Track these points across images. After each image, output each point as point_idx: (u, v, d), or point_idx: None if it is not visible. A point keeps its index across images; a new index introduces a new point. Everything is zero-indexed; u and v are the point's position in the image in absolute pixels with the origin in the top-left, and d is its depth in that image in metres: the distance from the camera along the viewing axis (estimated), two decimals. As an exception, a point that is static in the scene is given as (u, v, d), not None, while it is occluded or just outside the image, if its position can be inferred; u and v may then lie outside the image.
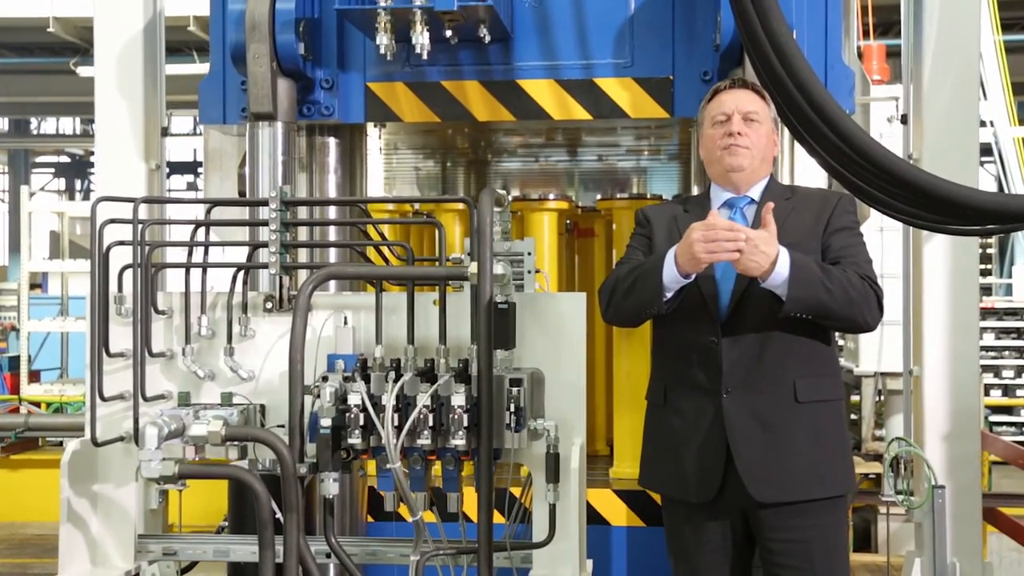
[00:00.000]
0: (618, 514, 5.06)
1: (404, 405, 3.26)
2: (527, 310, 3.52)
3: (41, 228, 16.20)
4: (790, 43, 3.44)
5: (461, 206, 5.50)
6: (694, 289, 3.43)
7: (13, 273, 17.03)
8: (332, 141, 4.79)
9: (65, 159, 29.32)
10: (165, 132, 4.87)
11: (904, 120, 4.66)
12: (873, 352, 9.83)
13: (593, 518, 4.78)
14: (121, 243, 3.54)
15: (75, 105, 18.44)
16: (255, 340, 3.64)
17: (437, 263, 3.57)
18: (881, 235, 6.74)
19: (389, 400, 3.18)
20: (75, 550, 3.61)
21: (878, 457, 9.89)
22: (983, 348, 13.50)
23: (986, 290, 15.84)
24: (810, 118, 3.47)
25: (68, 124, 26.64)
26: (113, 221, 3.54)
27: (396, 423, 3.21)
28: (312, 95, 4.52)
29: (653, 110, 4.52)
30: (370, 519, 4.93)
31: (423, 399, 3.20)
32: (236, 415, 3.37)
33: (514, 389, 3.30)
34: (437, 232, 3.52)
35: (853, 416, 10.53)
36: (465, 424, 3.19)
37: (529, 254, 3.63)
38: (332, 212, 4.59)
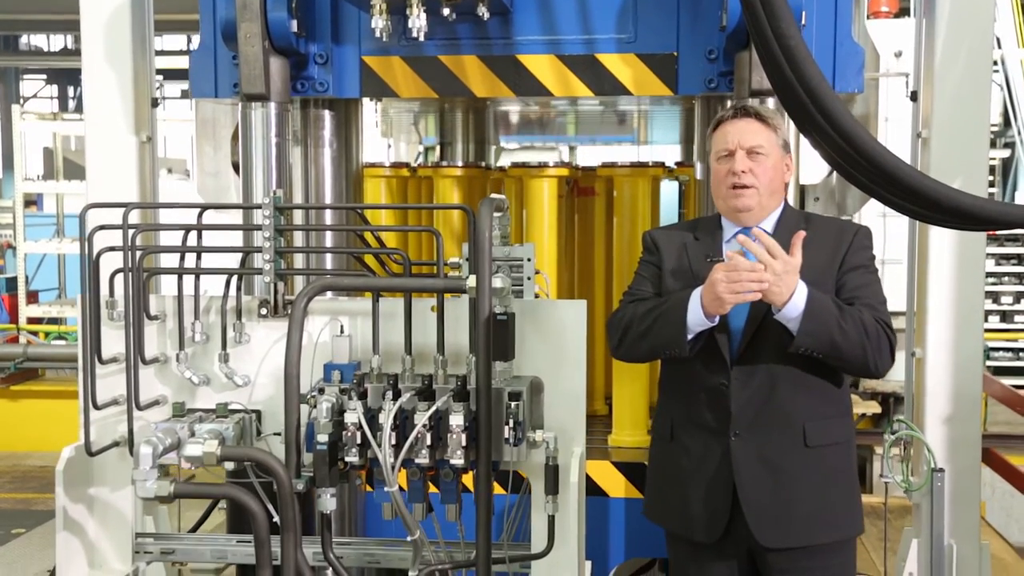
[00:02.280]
0: (616, 486, 5.05)
1: (402, 420, 3.22)
2: (527, 317, 3.46)
3: (34, 144, 16.01)
4: (800, 46, 3.31)
5: (460, 171, 5.38)
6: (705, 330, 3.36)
7: (7, 190, 16.89)
8: (327, 114, 4.68)
9: (57, 66, 28.89)
10: (156, 103, 4.74)
11: (914, 97, 4.53)
12: (874, 291, 9.80)
13: (592, 489, 4.79)
14: (112, 249, 3.47)
15: (64, 23, 18.11)
16: (250, 345, 3.59)
17: (435, 267, 3.51)
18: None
19: (387, 422, 3.14)
20: (72, 554, 3.61)
21: (875, 395, 9.94)
22: (983, 274, 13.50)
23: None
24: (820, 123, 3.36)
25: (58, 40, 26.19)
26: (103, 227, 3.46)
27: (394, 442, 3.17)
28: (306, 71, 4.40)
29: (656, 87, 4.40)
30: (368, 488, 4.91)
31: (421, 418, 3.16)
32: (231, 429, 3.33)
33: (513, 403, 3.26)
34: (436, 240, 3.43)
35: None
36: (463, 444, 3.16)
37: (529, 260, 3.56)
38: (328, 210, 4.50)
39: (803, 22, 4.07)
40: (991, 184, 16.96)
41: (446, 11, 4.06)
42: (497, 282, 3.19)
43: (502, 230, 3.54)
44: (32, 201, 16.92)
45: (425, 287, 3.39)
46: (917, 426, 4.53)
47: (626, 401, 5.38)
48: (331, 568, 3.30)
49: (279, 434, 3.44)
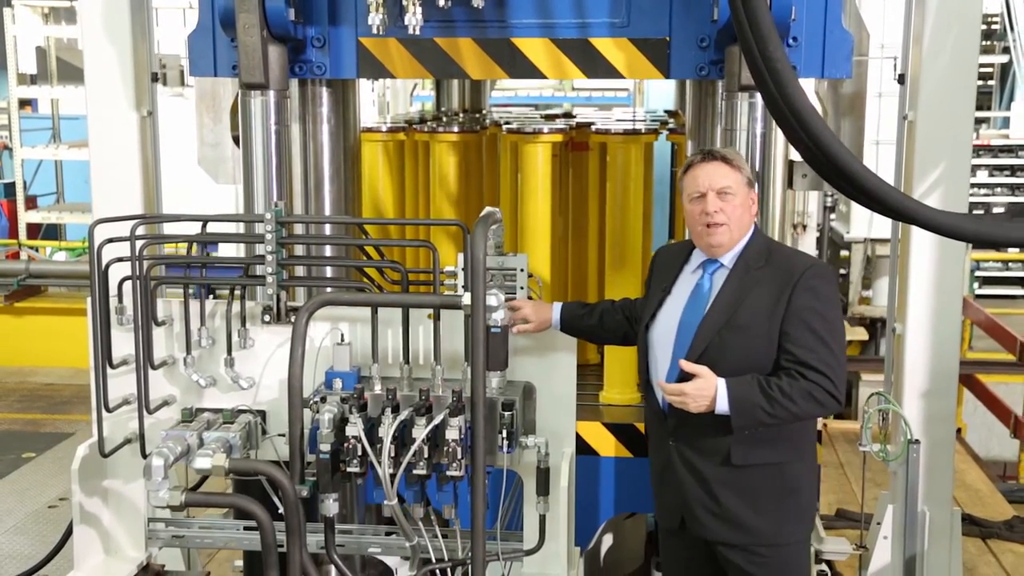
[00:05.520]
0: (607, 445, 5.25)
1: (400, 429, 3.39)
2: (520, 325, 3.60)
3: (26, 43, 15.88)
4: (786, 69, 3.40)
5: (456, 136, 5.47)
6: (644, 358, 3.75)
7: (2, 91, 16.80)
8: (325, 91, 4.74)
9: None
10: (155, 78, 4.81)
11: (901, 80, 4.61)
12: (864, 218, 9.92)
13: (583, 448, 5.00)
14: (120, 259, 3.59)
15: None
16: (254, 349, 3.74)
17: (431, 275, 3.64)
18: (877, 148, 6.73)
19: (387, 437, 3.31)
20: (89, 542, 3.82)
21: (862, 320, 10.13)
22: (976, 185, 13.55)
23: (983, 121, 15.71)
24: (806, 143, 3.47)
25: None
26: (111, 240, 3.58)
27: (393, 453, 3.35)
28: (304, 54, 4.45)
29: (648, 71, 4.46)
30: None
31: (420, 433, 3.33)
32: (238, 436, 3.49)
33: (506, 413, 3.43)
34: (433, 255, 3.56)
35: (842, 271, 10.71)
36: (459, 457, 3.33)
37: (522, 270, 3.69)
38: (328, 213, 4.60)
39: (793, 17, 4.12)
40: (986, 93, 16.91)
41: (441, 2, 4.13)
42: (492, 300, 3.32)
43: (496, 239, 3.66)
44: (27, 102, 16.83)
45: (422, 303, 3.53)
46: (895, 399, 4.71)
47: (617, 358, 5.55)
48: (334, 568, 3.50)
49: (283, 435, 3.60)
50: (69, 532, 4.53)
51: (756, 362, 3.51)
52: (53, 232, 15.02)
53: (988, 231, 3.51)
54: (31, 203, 14.77)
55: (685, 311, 3.65)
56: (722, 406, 3.41)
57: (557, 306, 3.90)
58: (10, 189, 15.08)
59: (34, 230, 14.67)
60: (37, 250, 12.71)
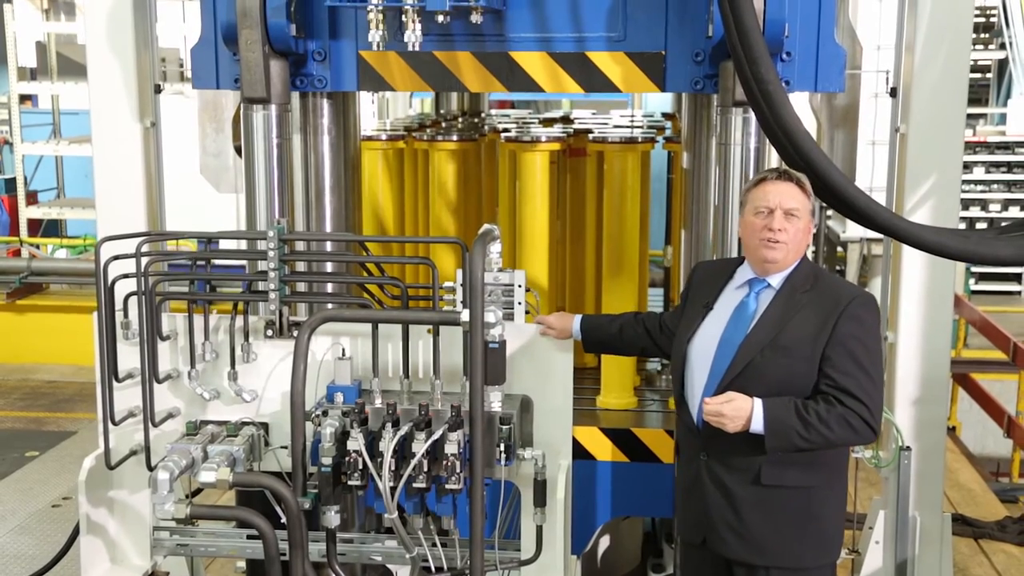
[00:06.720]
0: (603, 450, 5.32)
1: (400, 442, 3.46)
2: (516, 340, 3.68)
3: (26, 38, 15.94)
4: (778, 91, 3.49)
5: (455, 145, 5.53)
6: (679, 372, 3.74)
7: (2, 86, 16.86)
8: (326, 103, 4.81)
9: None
10: (158, 89, 4.87)
11: (893, 93, 4.68)
12: (860, 218, 9.93)
13: (579, 454, 5.06)
14: (125, 276, 3.67)
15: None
16: (257, 363, 3.81)
17: (430, 291, 3.71)
18: (873, 148, 6.77)
19: (387, 452, 3.38)
20: (96, 552, 3.90)
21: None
22: (972, 181, 13.61)
23: (979, 118, 15.74)
24: (796, 161, 3.55)
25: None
26: (117, 257, 3.65)
27: (393, 467, 3.43)
28: (305, 68, 4.52)
29: (644, 85, 4.53)
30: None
31: (419, 447, 3.41)
32: (241, 449, 3.57)
33: (504, 427, 3.51)
34: (432, 272, 3.63)
35: (839, 270, 10.76)
36: (458, 470, 3.41)
37: (520, 286, 3.76)
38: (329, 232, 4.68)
39: (786, 33, 4.19)
40: (986, 74, 16.94)
41: (440, 19, 4.19)
42: (490, 316, 3.39)
43: (494, 255, 3.73)
44: (27, 97, 16.88)
45: (421, 320, 3.61)
46: (887, 406, 4.78)
47: (614, 363, 5.62)
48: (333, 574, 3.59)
49: (286, 447, 3.68)
50: (75, 535, 4.62)
51: (795, 384, 3.51)
52: (54, 227, 15.07)
53: (973, 249, 3.59)
54: (32, 199, 14.82)
55: (727, 328, 3.65)
56: (757, 426, 3.44)
57: (578, 317, 3.98)
58: (11, 185, 15.13)
59: (35, 225, 14.73)
60: (38, 247, 12.75)
